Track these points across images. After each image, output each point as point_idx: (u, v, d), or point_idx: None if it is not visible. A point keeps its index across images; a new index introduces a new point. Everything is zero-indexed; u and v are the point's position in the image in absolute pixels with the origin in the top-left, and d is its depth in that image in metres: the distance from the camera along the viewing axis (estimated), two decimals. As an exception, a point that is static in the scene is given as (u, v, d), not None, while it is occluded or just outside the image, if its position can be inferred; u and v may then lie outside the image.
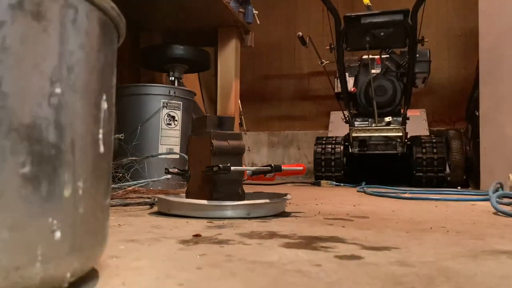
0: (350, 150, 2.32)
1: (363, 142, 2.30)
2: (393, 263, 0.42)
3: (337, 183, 2.23)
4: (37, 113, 0.26)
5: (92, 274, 0.36)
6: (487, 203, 1.09)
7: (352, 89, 2.33)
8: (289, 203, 1.09)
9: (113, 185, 1.21)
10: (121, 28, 0.35)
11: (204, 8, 2.15)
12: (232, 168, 0.80)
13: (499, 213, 0.90)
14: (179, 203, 0.81)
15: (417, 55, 2.24)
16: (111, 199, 0.74)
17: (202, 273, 0.37)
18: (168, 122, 1.75)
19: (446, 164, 2.20)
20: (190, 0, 2.06)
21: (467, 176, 2.22)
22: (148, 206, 0.98)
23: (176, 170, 0.98)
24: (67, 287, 0.29)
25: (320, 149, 2.34)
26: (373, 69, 2.30)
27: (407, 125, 2.24)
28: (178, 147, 1.77)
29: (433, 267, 0.41)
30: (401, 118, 2.23)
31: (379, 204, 1.12)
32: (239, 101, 2.59)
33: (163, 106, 1.73)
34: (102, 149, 0.32)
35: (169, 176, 1.18)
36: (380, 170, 2.42)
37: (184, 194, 0.94)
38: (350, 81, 2.41)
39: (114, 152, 1.17)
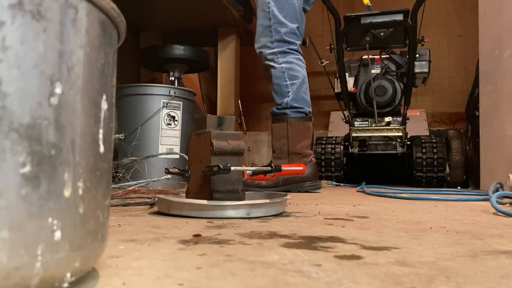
0: (350, 150, 2.33)
1: (363, 142, 2.30)
2: (393, 263, 0.42)
3: (337, 183, 2.23)
4: (37, 113, 0.26)
5: (92, 274, 0.36)
6: (487, 203, 1.09)
7: (352, 89, 2.34)
8: (289, 203, 1.09)
9: (113, 185, 1.21)
10: (121, 28, 0.35)
11: (204, 8, 2.15)
12: (232, 168, 0.80)
13: (499, 213, 0.90)
14: (179, 203, 0.82)
15: (417, 55, 2.24)
16: (111, 199, 0.74)
17: (202, 273, 0.37)
18: (168, 122, 1.75)
19: (446, 164, 2.20)
20: (190, 0, 2.07)
21: (467, 176, 2.22)
22: (148, 206, 0.98)
23: (176, 170, 0.98)
24: (67, 287, 0.29)
25: (320, 149, 2.34)
26: (373, 69, 2.30)
27: (407, 125, 2.24)
28: (178, 147, 1.78)
29: (433, 267, 0.41)
30: (401, 118, 2.23)
31: (379, 204, 1.12)
32: (239, 101, 2.59)
33: (163, 106, 1.74)
34: (102, 149, 0.32)
35: (169, 176, 1.18)
36: (380, 170, 2.42)
37: (184, 194, 0.94)
38: (350, 81, 2.41)
39: (114, 152, 1.17)
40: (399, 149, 2.26)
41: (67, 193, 0.28)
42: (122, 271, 0.37)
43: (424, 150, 2.18)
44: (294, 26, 1.72)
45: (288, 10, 1.70)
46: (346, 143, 2.35)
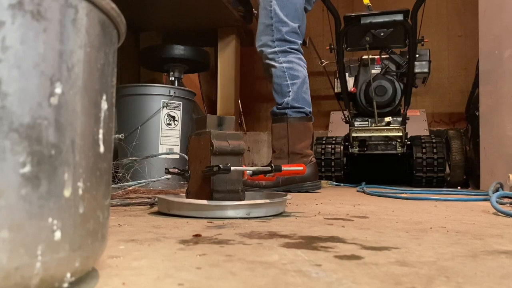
0: (350, 150, 2.32)
1: (363, 142, 2.30)
2: (393, 263, 0.42)
3: (337, 183, 2.23)
4: (37, 113, 0.26)
5: (92, 274, 0.36)
6: (487, 203, 1.09)
7: (352, 89, 2.34)
8: (289, 203, 1.09)
9: (113, 185, 1.21)
10: (121, 28, 0.35)
11: (204, 8, 2.15)
12: (232, 168, 0.80)
13: (499, 213, 0.90)
14: (179, 203, 0.82)
15: (417, 55, 2.24)
16: (111, 199, 0.74)
17: (202, 273, 0.37)
18: (168, 122, 1.75)
19: (446, 164, 2.20)
20: (190, 0, 2.07)
21: (467, 176, 2.22)
22: (148, 206, 0.98)
23: (176, 170, 0.98)
24: (67, 287, 0.29)
25: (320, 149, 2.34)
26: (373, 69, 2.30)
27: (407, 125, 2.24)
28: (178, 147, 1.77)
29: (433, 267, 0.41)
30: (401, 118, 2.23)
31: (379, 204, 1.12)
32: (239, 101, 2.59)
33: (163, 106, 1.73)
34: (102, 149, 0.32)
35: (169, 176, 1.18)
36: (380, 170, 2.42)
37: (184, 194, 0.94)
38: (350, 81, 2.41)
39: (114, 152, 1.17)
40: (399, 149, 2.26)
41: (67, 193, 0.28)
42: (122, 271, 0.37)
43: (424, 150, 2.18)
44: (296, 25, 1.72)
45: (290, 9, 1.70)
46: (346, 143, 2.35)
